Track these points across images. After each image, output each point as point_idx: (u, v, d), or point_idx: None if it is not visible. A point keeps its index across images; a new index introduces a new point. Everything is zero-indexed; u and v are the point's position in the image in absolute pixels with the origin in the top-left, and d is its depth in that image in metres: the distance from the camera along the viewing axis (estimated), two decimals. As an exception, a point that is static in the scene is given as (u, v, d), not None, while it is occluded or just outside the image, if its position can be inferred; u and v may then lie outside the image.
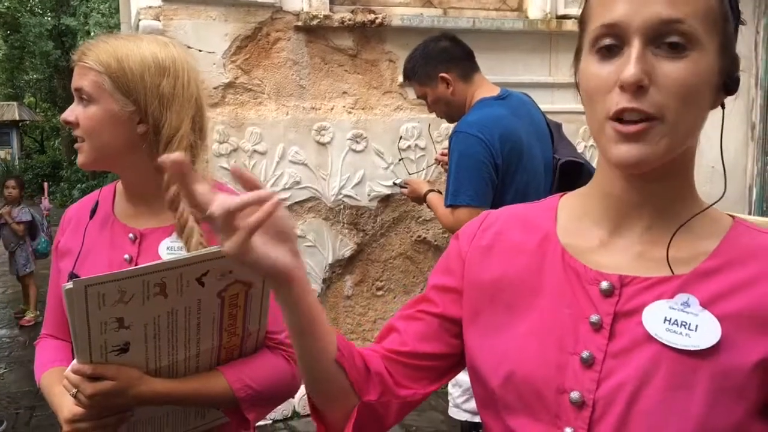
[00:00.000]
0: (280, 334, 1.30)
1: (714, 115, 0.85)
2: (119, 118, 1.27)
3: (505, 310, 0.90)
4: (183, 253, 1.28)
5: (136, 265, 1.31)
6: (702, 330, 0.77)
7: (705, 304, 0.79)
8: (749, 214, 4.67)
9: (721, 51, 0.79)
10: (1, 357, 5.48)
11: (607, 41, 0.78)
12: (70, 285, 1.02)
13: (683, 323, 0.78)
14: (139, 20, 3.68)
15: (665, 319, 0.79)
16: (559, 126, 2.77)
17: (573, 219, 0.92)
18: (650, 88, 0.75)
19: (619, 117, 0.77)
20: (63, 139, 20.90)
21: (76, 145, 1.31)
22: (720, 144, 0.88)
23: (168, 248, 1.32)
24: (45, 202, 6.82)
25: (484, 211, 1.02)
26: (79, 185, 14.84)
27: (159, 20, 3.67)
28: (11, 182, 6.60)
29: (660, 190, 0.84)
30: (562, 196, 0.97)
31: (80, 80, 1.27)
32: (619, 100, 0.76)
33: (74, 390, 1.14)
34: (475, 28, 4.19)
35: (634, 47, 0.76)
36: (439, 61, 2.63)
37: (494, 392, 0.88)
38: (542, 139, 2.63)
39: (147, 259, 1.31)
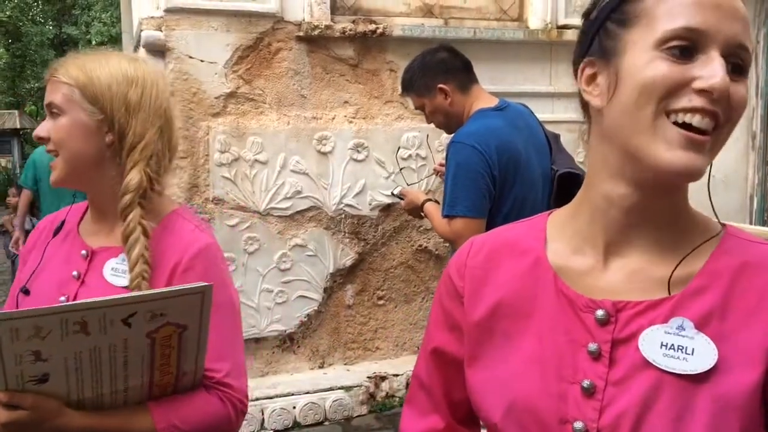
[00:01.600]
0: (218, 372, 1.27)
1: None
2: (88, 127, 1.29)
3: (502, 341, 0.90)
4: (125, 276, 1.27)
5: (82, 282, 1.32)
6: (699, 353, 0.77)
7: (698, 326, 0.78)
8: (750, 223, 4.67)
9: None
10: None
11: (683, 43, 0.76)
12: None
13: (680, 347, 0.78)
14: (141, 30, 3.69)
15: (662, 344, 0.78)
16: (557, 137, 2.77)
17: (563, 239, 0.90)
18: (724, 100, 0.76)
19: (686, 120, 0.76)
20: (64, 148, 20.88)
21: (51, 164, 1.33)
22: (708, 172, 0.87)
23: (112, 269, 1.31)
24: None
25: (469, 239, 1.00)
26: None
27: (161, 30, 3.68)
28: (13, 190, 6.62)
29: (662, 211, 0.83)
30: (550, 214, 0.96)
31: (52, 95, 1.30)
32: (694, 99, 0.75)
33: None
34: (476, 38, 4.20)
35: (717, 57, 0.75)
36: (437, 72, 2.64)
37: (497, 426, 0.87)
38: (540, 149, 2.63)
39: (94, 277, 1.31)
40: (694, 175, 0.77)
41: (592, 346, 0.82)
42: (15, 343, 1.02)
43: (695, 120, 0.75)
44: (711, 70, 0.75)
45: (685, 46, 0.76)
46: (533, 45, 4.39)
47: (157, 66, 1.43)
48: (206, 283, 1.11)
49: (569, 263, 0.88)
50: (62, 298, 1.30)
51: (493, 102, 2.62)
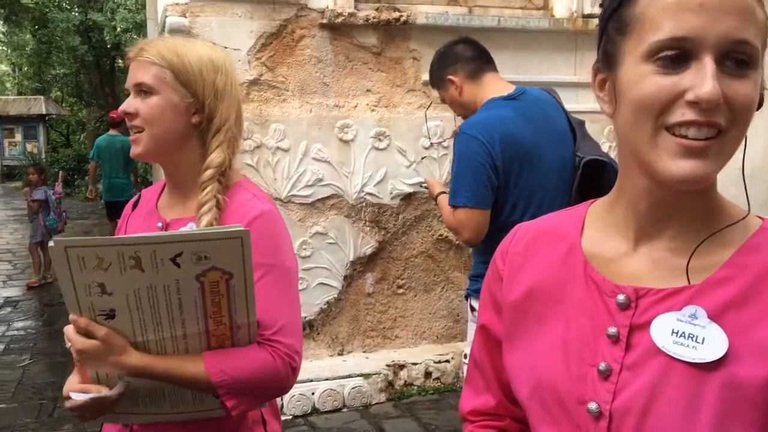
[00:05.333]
0: (268, 330, 1.33)
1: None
2: (179, 108, 1.39)
3: (534, 323, 0.92)
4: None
5: None
6: (709, 342, 0.77)
7: (713, 316, 0.78)
8: (776, 217, 4.59)
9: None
10: (26, 348, 5.55)
11: (673, 53, 0.75)
12: (52, 243, 1.14)
13: (690, 335, 0.78)
14: (166, 17, 3.70)
15: (673, 332, 0.79)
16: (581, 123, 2.71)
17: (599, 228, 0.92)
18: (721, 105, 0.74)
19: (681, 132, 0.75)
20: (88, 134, 21.13)
21: (131, 138, 1.42)
22: (743, 164, 0.84)
23: None
24: (57, 188, 7.99)
25: (516, 225, 1.03)
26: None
27: (185, 17, 3.69)
28: (31, 169, 8.20)
29: (691, 204, 0.83)
30: (592, 203, 0.97)
31: (141, 75, 1.39)
32: (686, 112, 0.74)
33: (69, 343, 1.25)
34: (501, 27, 4.17)
35: (708, 64, 0.73)
36: (447, 64, 2.63)
37: (524, 403, 0.92)
38: (558, 138, 2.56)
39: None
40: (699, 182, 0.77)
41: (611, 330, 0.83)
42: (83, 271, 1.16)
43: (690, 132, 0.75)
44: (700, 80, 0.73)
45: (675, 56, 0.75)
46: (558, 34, 4.35)
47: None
48: (244, 228, 1.17)
49: (600, 250, 0.89)
50: None
51: (508, 90, 2.57)
